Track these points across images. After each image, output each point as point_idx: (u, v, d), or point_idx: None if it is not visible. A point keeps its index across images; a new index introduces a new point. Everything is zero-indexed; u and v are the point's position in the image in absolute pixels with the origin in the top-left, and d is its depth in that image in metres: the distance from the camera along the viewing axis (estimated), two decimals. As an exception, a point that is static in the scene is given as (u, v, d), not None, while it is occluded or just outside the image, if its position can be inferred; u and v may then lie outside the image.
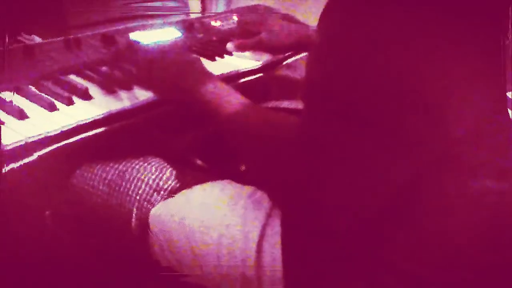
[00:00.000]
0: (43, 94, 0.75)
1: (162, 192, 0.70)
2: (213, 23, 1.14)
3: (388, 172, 0.51)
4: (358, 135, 0.49)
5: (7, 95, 0.73)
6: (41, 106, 0.73)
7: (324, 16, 0.52)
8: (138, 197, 0.70)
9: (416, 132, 0.49)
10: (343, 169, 0.51)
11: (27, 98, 0.74)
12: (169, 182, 0.71)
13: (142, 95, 0.79)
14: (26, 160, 0.63)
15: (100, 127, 0.72)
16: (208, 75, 0.73)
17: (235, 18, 1.21)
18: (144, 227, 0.68)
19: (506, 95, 0.59)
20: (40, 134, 0.66)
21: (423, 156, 0.50)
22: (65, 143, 0.67)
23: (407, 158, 0.50)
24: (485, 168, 0.53)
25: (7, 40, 0.75)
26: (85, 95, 0.77)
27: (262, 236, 0.61)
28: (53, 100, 0.73)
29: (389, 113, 0.48)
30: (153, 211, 0.68)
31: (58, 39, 0.86)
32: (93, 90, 0.79)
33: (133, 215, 0.69)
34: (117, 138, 0.76)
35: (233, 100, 0.68)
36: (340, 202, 0.53)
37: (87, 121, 0.71)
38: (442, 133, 0.49)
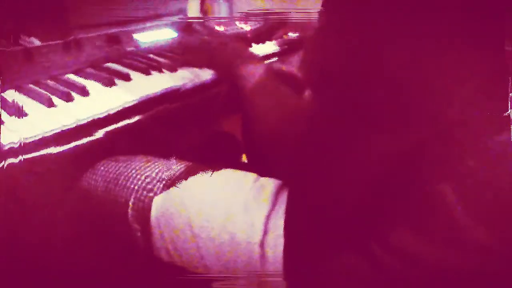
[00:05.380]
0: (42, 91, 0.75)
1: (164, 182, 0.69)
2: (216, 27, 1.14)
3: (385, 154, 0.51)
4: (358, 120, 0.51)
5: (8, 95, 0.73)
6: (40, 103, 0.72)
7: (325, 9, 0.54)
8: (136, 187, 0.69)
9: (416, 116, 0.50)
10: (345, 153, 0.53)
11: (27, 96, 0.74)
12: (171, 173, 0.70)
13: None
14: (27, 155, 0.62)
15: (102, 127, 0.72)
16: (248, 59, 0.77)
17: (238, 24, 1.21)
18: (143, 216, 0.67)
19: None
20: (40, 133, 0.64)
21: (422, 139, 0.50)
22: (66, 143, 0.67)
23: (407, 141, 0.50)
24: (484, 152, 0.52)
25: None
26: (83, 92, 0.76)
27: (266, 227, 0.60)
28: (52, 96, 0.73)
29: (390, 102, 0.49)
30: (155, 200, 0.67)
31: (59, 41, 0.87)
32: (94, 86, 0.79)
33: (130, 204, 0.68)
34: (120, 138, 0.75)
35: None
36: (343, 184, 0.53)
37: (87, 120, 0.70)
38: (441, 116, 0.50)
